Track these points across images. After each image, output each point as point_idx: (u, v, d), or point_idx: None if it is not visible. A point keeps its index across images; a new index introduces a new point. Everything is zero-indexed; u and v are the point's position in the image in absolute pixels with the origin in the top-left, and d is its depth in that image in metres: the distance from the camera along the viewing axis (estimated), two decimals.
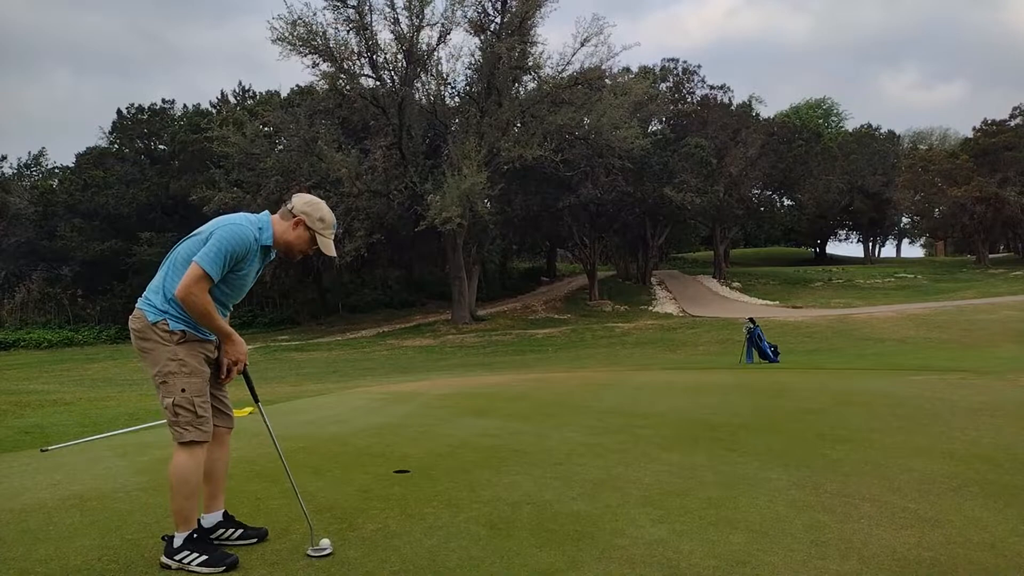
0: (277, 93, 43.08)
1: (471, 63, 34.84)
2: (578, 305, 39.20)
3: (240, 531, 3.22)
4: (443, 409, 7.88)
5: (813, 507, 3.56)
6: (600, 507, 3.64)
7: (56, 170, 53.70)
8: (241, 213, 3.18)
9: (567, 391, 9.52)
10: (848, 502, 3.63)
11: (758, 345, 17.51)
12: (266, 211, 3.23)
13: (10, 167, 53.88)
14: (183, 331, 3.00)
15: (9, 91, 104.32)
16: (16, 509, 3.87)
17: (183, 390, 2.97)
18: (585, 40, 32.71)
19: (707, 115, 43.75)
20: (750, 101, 51.40)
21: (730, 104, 47.37)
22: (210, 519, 3.19)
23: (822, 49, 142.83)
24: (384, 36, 36.33)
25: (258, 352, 28.51)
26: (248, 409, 7.24)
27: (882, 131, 63.07)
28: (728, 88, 48.64)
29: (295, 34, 30.60)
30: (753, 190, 47.74)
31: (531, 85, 35.04)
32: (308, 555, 3.00)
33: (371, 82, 33.39)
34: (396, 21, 32.00)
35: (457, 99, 36.16)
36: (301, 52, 31.09)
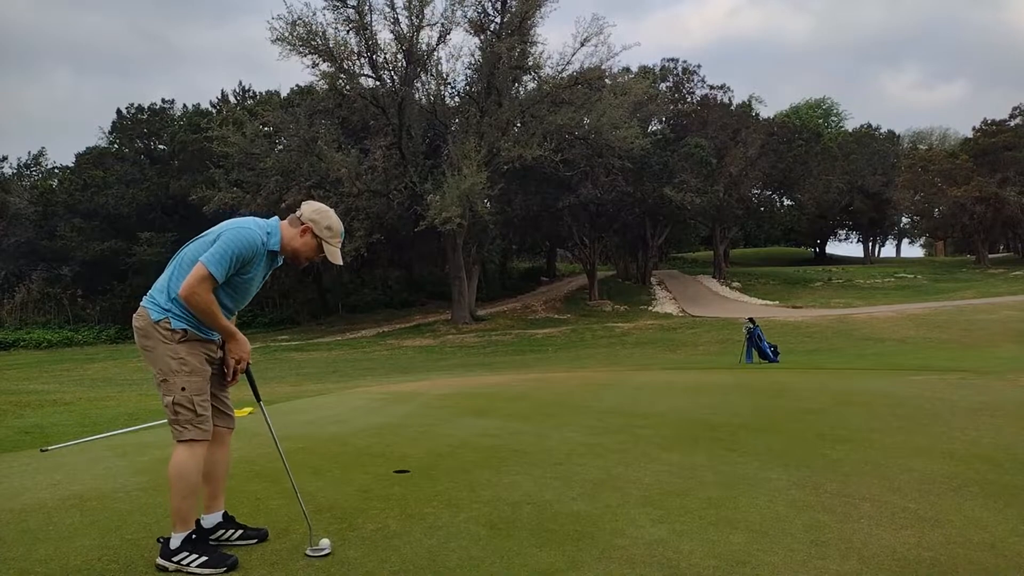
0: (277, 93, 43.11)
1: (471, 63, 34.91)
2: (578, 305, 39.20)
3: (240, 532, 3.22)
4: (443, 409, 7.88)
5: (813, 507, 3.56)
6: (600, 507, 3.64)
7: (56, 170, 53.68)
8: (250, 217, 3.20)
9: (567, 391, 9.52)
10: (848, 502, 3.63)
11: (758, 345, 17.51)
12: (275, 216, 3.25)
13: (10, 167, 53.95)
14: (184, 330, 3.01)
15: (9, 91, 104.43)
16: (16, 509, 3.87)
17: (183, 389, 2.98)
18: (585, 40, 32.76)
19: (707, 115, 43.76)
20: (750, 101, 51.51)
21: (730, 104, 47.40)
22: (210, 520, 3.19)
23: (823, 49, 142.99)
24: (384, 36, 36.38)
25: (258, 352, 28.51)
26: (248, 409, 7.24)
27: (882, 131, 63.11)
28: (728, 88, 48.72)
29: (295, 34, 30.61)
30: (753, 190, 47.72)
31: (531, 85, 35.08)
32: (308, 555, 3.00)
33: (371, 82, 33.43)
34: (396, 21, 32.05)
35: (457, 99, 36.18)
36: (301, 52, 31.09)
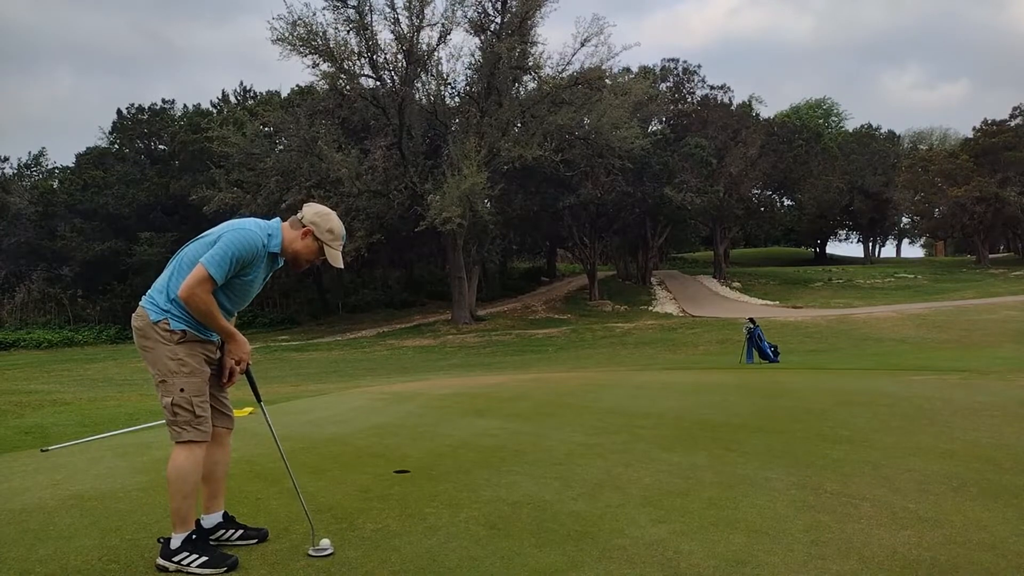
0: (277, 93, 43.16)
1: (471, 63, 34.91)
2: (578, 305, 39.19)
3: (240, 532, 3.22)
4: (443, 409, 7.88)
5: (813, 507, 3.56)
6: (600, 507, 3.64)
7: (56, 170, 53.72)
8: (252, 218, 3.19)
9: (567, 391, 9.52)
10: (848, 502, 3.62)
11: (758, 345, 17.52)
12: (277, 218, 3.23)
13: (10, 167, 53.96)
14: (184, 331, 3.01)
15: (9, 91, 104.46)
16: (16, 509, 3.87)
17: (182, 390, 2.97)
18: (585, 40, 32.77)
19: (707, 115, 43.79)
20: (750, 101, 51.53)
21: (730, 104, 47.44)
22: (210, 520, 3.19)
23: (825, 48, 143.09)
24: (384, 36, 36.43)
25: (258, 352, 28.51)
26: (248, 409, 7.24)
27: (882, 131, 63.12)
28: (728, 88, 48.79)
29: (295, 34, 30.63)
30: (753, 190, 47.75)
31: (531, 85, 35.09)
32: (310, 555, 3.00)
33: (371, 82, 33.46)
34: (396, 21, 32.06)
35: (457, 99, 36.18)
36: (301, 52, 31.11)
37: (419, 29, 32.24)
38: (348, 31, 31.72)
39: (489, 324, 33.76)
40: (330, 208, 3.28)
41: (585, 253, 42.18)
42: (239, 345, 3.14)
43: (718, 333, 26.07)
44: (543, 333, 30.25)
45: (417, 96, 34.26)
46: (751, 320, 18.25)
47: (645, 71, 43.14)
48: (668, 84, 47.45)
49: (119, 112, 46.34)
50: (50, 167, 55.55)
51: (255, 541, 3.20)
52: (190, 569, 2.89)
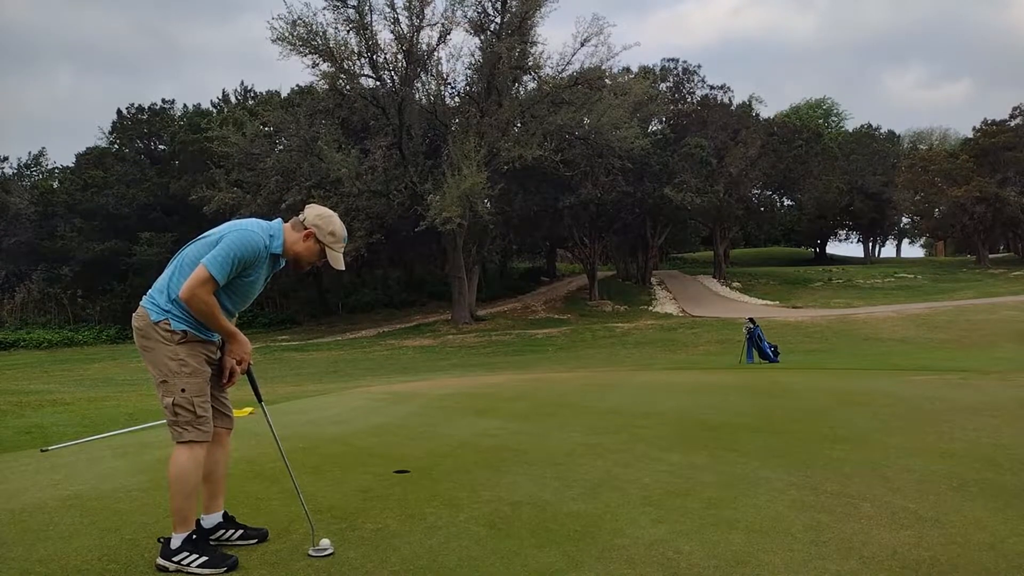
0: (277, 93, 43.15)
1: (471, 63, 34.88)
2: (578, 305, 39.19)
3: (240, 532, 3.22)
4: (443, 409, 7.88)
5: (813, 507, 3.56)
6: (600, 507, 3.64)
7: (56, 170, 53.77)
8: (253, 219, 3.19)
9: (567, 391, 9.52)
10: (848, 502, 3.63)
11: (758, 345, 17.53)
12: (279, 219, 3.23)
13: (10, 167, 53.99)
14: (184, 331, 3.01)
15: (9, 91, 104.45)
16: (16, 509, 3.87)
17: (183, 390, 2.98)
18: (585, 40, 32.78)
19: (707, 115, 43.75)
20: (750, 101, 51.47)
21: (730, 104, 47.38)
22: (210, 520, 3.19)
23: (827, 48, 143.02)
24: (384, 36, 36.42)
25: (258, 352, 28.51)
26: (248, 409, 7.25)
27: (882, 131, 63.12)
28: (728, 88, 48.71)
29: (295, 34, 30.64)
30: (753, 190, 47.73)
31: (531, 85, 35.10)
32: (310, 555, 3.00)
33: (371, 82, 33.45)
34: (396, 21, 32.06)
35: (457, 99, 36.18)
36: (301, 52, 31.13)
37: (419, 29, 32.29)
38: (348, 31, 31.76)
39: (489, 324, 33.77)
40: (330, 208, 3.28)
41: (585, 253, 42.17)
42: (241, 345, 3.14)
43: (718, 333, 26.07)
44: (543, 333, 30.25)
45: (417, 96, 34.27)
46: (751, 320, 18.26)
47: (645, 71, 43.11)
48: (668, 84, 47.40)
49: (119, 112, 46.40)
50: (50, 167, 55.70)
51: (255, 541, 3.20)
52: (190, 569, 2.89)
